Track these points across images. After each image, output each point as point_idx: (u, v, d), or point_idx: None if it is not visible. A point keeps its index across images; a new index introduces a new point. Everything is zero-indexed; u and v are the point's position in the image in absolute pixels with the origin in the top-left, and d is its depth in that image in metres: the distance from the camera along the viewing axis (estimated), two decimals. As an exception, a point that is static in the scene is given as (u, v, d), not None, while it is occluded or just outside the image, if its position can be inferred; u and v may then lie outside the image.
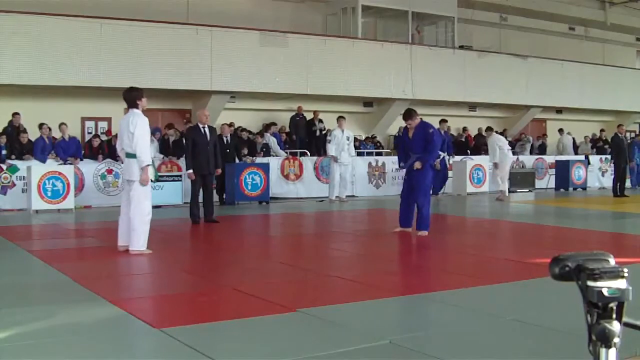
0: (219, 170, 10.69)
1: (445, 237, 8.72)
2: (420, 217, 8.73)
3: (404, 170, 9.23)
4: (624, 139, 16.42)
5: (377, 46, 18.30)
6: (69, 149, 13.53)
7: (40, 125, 13.30)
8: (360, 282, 5.72)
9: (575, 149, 21.16)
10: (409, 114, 8.93)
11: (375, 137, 18.92)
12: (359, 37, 18.33)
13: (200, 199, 10.41)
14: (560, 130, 21.15)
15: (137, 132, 7.05)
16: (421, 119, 9.06)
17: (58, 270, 6.21)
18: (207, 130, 10.29)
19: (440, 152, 13.06)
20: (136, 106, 7.26)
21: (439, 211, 12.31)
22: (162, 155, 14.12)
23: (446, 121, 16.37)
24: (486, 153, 19.04)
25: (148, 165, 7.14)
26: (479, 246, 8.08)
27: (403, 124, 9.39)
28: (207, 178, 10.37)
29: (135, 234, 7.13)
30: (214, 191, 11.37)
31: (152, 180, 7.29)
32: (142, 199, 7.18)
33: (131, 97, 7.29)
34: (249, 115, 17.25)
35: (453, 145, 18.56)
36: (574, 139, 21.33)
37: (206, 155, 10.17)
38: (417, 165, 8.65)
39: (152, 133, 14.51)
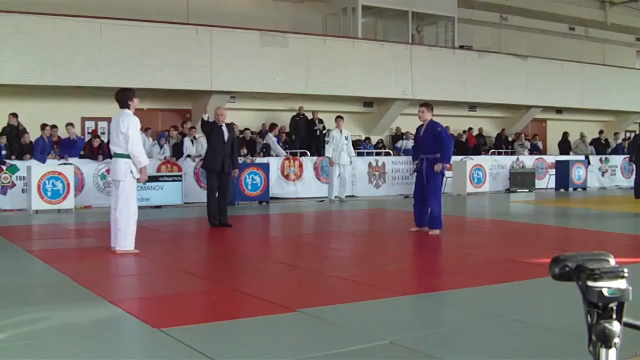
0: (236, 171, 10.20)
1: (445, 237, 8.72)
2: (431, 217, 8.86)
3: (414, 169, 9.31)
4: None
5: (377, 46, 18.30)
6: (75, 148, 13.61)
7: (43, 126, 13.32)
8: (360, 282, 5.71)
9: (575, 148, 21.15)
10: (426, 104, 9.13)
11: (382, 141, 18.91)
12: (359, 37, 18.32)
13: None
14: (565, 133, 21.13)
15: (131, 134, 7.11)
16: (432, 118, 9.08)
17: (58, 270, 6.21)
18: (224, 128, 9.84)
19: None
20: (128, 106, 7.32)
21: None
22: (164, 157, 14.15)
23: None
24: (486, 153, 19.10)
25: (145, 164, 7.24)
26: (479, 246, 8.07)
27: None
28: (222, 178, 9.89)
29: (122, 233, 7.17)
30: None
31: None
32: (129, 198, 7.22)
33: (123, 97, 7.35)
34: (249, 115, 17.24)
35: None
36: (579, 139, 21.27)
37: (222, 154, 9.73)
38: (437, 167, 8.77)
39: (159, 139, 14.59)
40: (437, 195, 8.90)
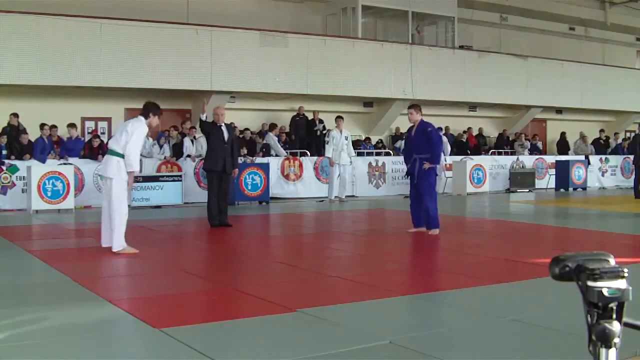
0: (236, 171, 10.18)
1: (445, 237, 8.72)
2: (428, 217, 8.87)
3: (406, 172, 9.31)
4: None
5: (377, 46, 18.30)
6: (76, 149, 13.60)
7: (42, 126, 13.32)
8: (360, 282, 5.71)
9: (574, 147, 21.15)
10: (414, 105, 9.19)
11: (382, 141, 18.90)
12: (359, 37, 18.32)
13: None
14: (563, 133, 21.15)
15: (134, 137, 7.20)
16: (422, 118, 9.10)
17: (58, 270, 6.21)
18: (224, 128, 9.82)
19: None
20: (146, 117, 7.43)
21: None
22: (164, 157, 14.16)
23: None
24: (486, 153, 19.10)
25: (135, 170, 7.33)
26: (479, 246, 8.08)
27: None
28: (222, 178, 9.86)
29: (116, 233, 7.23)
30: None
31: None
32: (120, 197, 7.28)
33: (148, 107, 7.51)
34: (249, 115, 17.25)
35: (453, 145, 18.60)
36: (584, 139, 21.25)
37: (222, 153, 9.71)
38: (426, 165, 8.77)
39: (159, 139, 14.59)
40: (432, 194, 8.90)
